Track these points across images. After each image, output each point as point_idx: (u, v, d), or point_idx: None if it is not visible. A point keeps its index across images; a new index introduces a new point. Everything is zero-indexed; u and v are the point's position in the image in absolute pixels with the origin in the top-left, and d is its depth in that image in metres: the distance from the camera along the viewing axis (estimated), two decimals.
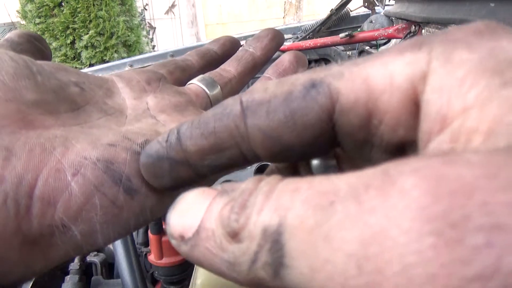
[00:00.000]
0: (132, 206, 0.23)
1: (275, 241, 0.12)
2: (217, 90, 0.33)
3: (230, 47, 0.40)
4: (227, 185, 0.16)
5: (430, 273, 0.09)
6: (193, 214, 0.15)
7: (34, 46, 0.31)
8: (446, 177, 0.10)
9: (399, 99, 0.15)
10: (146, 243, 1.05)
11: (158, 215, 0.25)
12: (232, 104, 0.18)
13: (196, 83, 0.34)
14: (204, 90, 0.33)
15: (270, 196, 0.13)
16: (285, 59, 0.34)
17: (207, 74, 0.35)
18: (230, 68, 0.36)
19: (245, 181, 0.15)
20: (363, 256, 0.10)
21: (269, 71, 0.34)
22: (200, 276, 0.54)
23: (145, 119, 0.28)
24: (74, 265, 0.92)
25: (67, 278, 0.90)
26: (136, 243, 1.06)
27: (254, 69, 0.37)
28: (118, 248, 0.81)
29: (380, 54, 0.16)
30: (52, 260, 0.22)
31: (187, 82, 0.35)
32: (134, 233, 1.11)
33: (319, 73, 0.17)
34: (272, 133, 0.17)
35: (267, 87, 0.17)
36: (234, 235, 0.14)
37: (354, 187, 0.11)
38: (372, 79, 0.15)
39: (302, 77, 0.17)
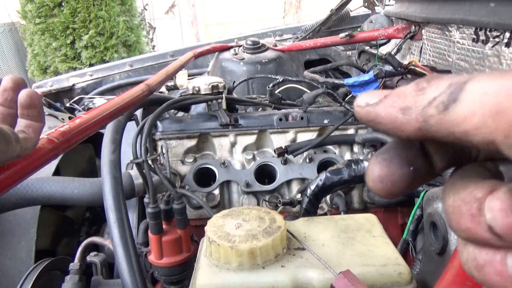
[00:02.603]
0: None
1: (459, 87, 0.19)
2: None
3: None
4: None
5: None
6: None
7: None
8: None
9: None
10: (146, 243, 1.05)
11: None
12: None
13: None
14: None
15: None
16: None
17: None
18: None
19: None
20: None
21: None
22: (200, 277, 0.55)
23: None
24: (74, 265, 0.92)
25: (67, 278, 0.90)
26: (136, 243, 1.06)
27: None
28: (118, 248, 0.81)
29: None
30: None
31: None
32: (134, 233, 1.11)
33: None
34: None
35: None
36: (421, 89, 0.20)
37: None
38: None
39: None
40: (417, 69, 0.92)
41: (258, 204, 1.18)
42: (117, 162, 0.94)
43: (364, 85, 1.05)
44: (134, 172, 1.08)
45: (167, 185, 1.02)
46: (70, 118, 1.54)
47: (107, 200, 0.85)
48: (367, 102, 0.22)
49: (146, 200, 1.03)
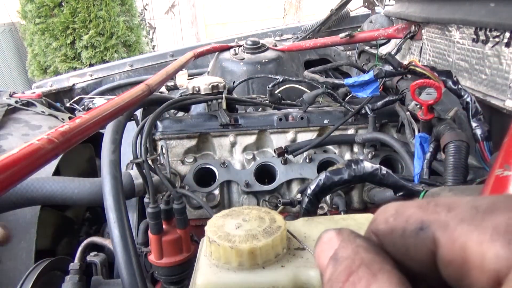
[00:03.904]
0: None
1: None
2: None
3: None
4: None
5: None
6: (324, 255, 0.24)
7: None
8: None
9: (487, 278, 0.19)
10: (146, 243, 1.05)
11: None
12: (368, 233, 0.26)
13: None
14: None
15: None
16: None
17: None
18: None
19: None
20: None
21: None
22: (200, 277, 0.54)
23: None
24: (74, 265, 0.92)
25: (67, 278, 0.90)
26: (136, 243, 1.06)
27: None
28: (118, 248, 0.81)
29: (478, 218, 0.21)
30: None
31: None
32: (134, 233, 1.11)
33: (429, 215, 0.22)
34: (397, 257, 0.23)
35: (387, 219, 0.24)
36: None
37: None
38: (469, 252, 0.20)
39: (414, 216, 0.22)
40: (417, 69, 0.92)
41: (258, 204, 1.18)
42: (117, 162, 0.94)
43: (364, 85, 1.05)
44: (134, 172, 1.08)
45: (167, 185, 1.02)
46: (70, 118, 1.54)
47: (107, 200, 0.85)
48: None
49: (146, 200, 1.03)
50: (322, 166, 1.19)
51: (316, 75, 1.29)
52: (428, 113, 0.84)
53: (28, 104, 1.47)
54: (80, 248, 0.94)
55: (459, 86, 0.89)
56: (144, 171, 0.99)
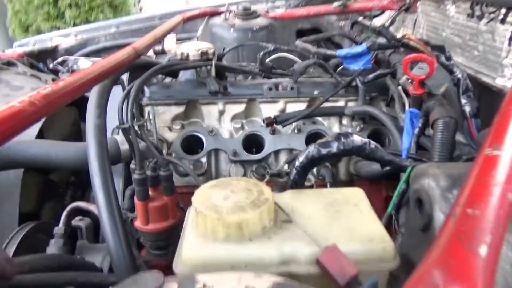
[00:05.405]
0: None
1: None
2: None
3: None
4: None
5: None
6: None
7: None
8: None
9: None
10: (132, 209, 1.04)
11: None
12: None
13: None
14: None
15: None
16: None
17: None
18: None
19: None
20: None
21: None
22: (185, 248, 0.54)
23: None
24: (59, 229, 0.91)
25: (52, 241, 0.90)
26: (121, 208, 1.05)
27: None
28: (103, 213, 0.80)
29: None
30: None
31: None
32: (120, 199, 1.11)
33: None
34: None
35: None
36: None
37: None
38: None
39: None
40: (410, 43, 0.91)
41: (245, 173, 1.18)
42: (103, 127, 0.92)
43: (356, 57, 1.04)
44: (120, 137, 1.06)
45: (154, 152, 1.01)
46: (53, 80, 1.50)
47: (92, 166, 0.84)
48: None
49: (132, 166, 1.02)
50: (311, 138, 1.18)
51: (308, 45, 1.26)
52: (419, 88, 0.84)
53: (9, 63, 1.42)
54: (64, 213, 0.93)
55: (452, 62, 0.89)
56: (130, 137, 0.97)
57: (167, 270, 1.07)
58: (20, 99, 0.60)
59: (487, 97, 0.89)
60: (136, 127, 0.98)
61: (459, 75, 0.86)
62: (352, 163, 1.18)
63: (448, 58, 0.89)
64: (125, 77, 1.21)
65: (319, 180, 1.14)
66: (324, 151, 0.71)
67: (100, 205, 0.81)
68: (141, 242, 1.03)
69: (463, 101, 0.84)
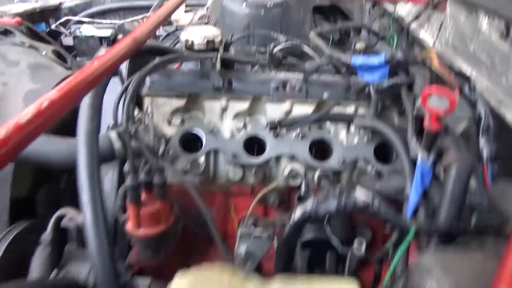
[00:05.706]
0: None
1: None
2: None
3: None
4: None
5: None
6: None
7: None
8: None
9: None
10: (125, 209, 1.02)
11: None
12: None
13: None
14: None
15: None
16: None
17: None
18: None
19: None
20: None
21: None
22: None
23: None
24: (47, 235, 0.89)
25: (39, 249, 0.88)
26: (114, 206, 1.03)
27: None
28: (89, 231, 0.77)
29: None
30: None
31: None
32: (113, 195, 1.09)
33: None
34: None
35: None
36: None
37: None
38: None
39: None
40: (433, 67, 0.83)
41: (244, 176, 1.14)
42: (95, 132, 0.87)
43: (372, 69, 0.95)
44: (115, 134, 1.02)
45: (149, 157, 0.97)
46: (53, 51, 1.42)
47: (82, 180, 0.80)
48: None
49: (126, 169, 0.98)
50: (315, 145, 1.14)
51: (321, 42, 1.17)
52: (436, 122, 0.77)
53: (6, 32, 1.34)
54: (52, 220, 0.91)
55: (476, 95, 0.81)
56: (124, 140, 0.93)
57: (157, 271, 1.07)
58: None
59: (507, 136, 0.82)
60: (132, 129, 0.94)
61: (482, 112, 0.79)
62: (355, 174, 1.14)
63: (472, 89, 0.81)
64: (124, 65, 1.14)
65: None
66: (322, 210, 0.67)
67: (87, 223, 0.78)
68: (132, 243, 1.02)
69: (482, 141, 0.78)
